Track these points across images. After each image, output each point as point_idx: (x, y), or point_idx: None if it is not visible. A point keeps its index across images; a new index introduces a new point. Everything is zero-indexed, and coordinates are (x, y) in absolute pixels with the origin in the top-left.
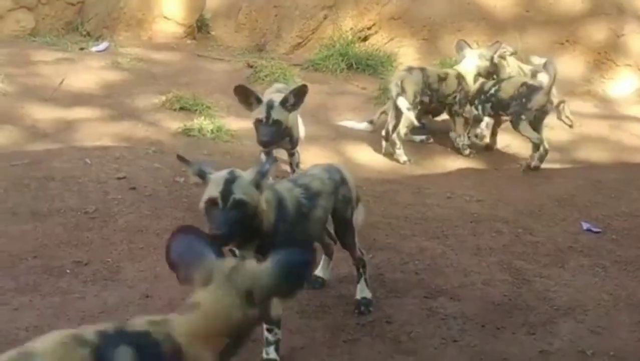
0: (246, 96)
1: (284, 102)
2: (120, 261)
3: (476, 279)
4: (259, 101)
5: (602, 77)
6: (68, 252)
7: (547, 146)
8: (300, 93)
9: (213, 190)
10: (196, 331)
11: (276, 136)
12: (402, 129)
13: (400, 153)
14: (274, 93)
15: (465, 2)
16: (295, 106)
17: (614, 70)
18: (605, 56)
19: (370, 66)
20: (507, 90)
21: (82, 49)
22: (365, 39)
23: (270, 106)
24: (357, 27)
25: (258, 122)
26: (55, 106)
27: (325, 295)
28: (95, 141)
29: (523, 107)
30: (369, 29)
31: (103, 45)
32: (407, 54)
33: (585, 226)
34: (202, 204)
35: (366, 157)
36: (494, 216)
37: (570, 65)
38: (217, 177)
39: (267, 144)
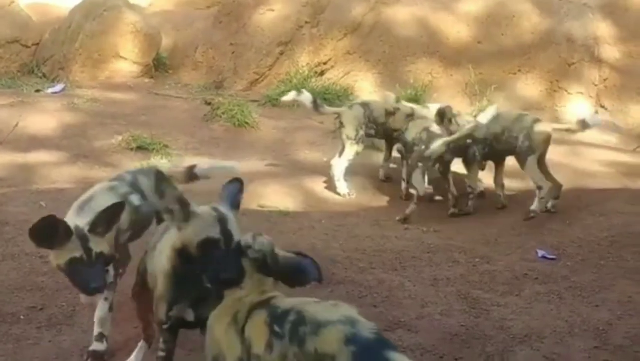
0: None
1: (93, 229)
2: (74, 304)
3: (433, 310)
4: (68, 233)
5: (555, 105)
6: (22, 297)
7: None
8: (113, 214)
9: (209, 230)
10: None
11: (104, 275)
12: (345, 162)
13: (340, 185)
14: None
15: (418, 35)
16: (108, 229)
17: (566, 98)
18: (557, 84)
19: (327, 100)
20: (411, 132)
21: (37, 90)
22: (321, 73)
23: (83, 238)
24: (313, 62)
25: (73, 263)
26: (10, 150)
27: None
28: (50, 183)
29: (420, 153)
30: (324, 63)
31: (59, 86)
32: (364, 88)
33: (540, 253)
34: (194, 246)
35: (325, 191)
36: (451, 246)
37: (523, 93)
38: (207, 216)
39: (98, 290)
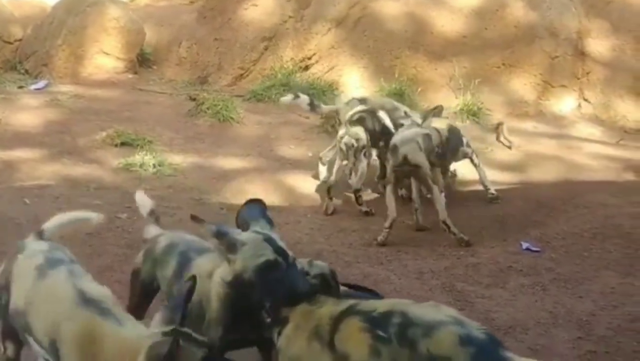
0: None
1: None
2: None
3: (419, 303)
4: None
5: (539, 99)
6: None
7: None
8: None
9: (265, 253)
10: None
11: None
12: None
13: (321, 170)
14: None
15: (403, 29)
16: None
17: (550, 91)
18: (541, 78)
19: (312, 95)
20: None
21: (20, 87)
22: (306, 68)
23: None
24: (298, 57)
25: None
26: None
27: None
28: (34, 180)
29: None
30: (309, 58)
31: (42, 83)
32: (349, 82)
33: (524, 245)
34: (248, 272)
35: (310, 186)
36: (436, 239)
37: (508, 87)
38: (255, 240)
39: None
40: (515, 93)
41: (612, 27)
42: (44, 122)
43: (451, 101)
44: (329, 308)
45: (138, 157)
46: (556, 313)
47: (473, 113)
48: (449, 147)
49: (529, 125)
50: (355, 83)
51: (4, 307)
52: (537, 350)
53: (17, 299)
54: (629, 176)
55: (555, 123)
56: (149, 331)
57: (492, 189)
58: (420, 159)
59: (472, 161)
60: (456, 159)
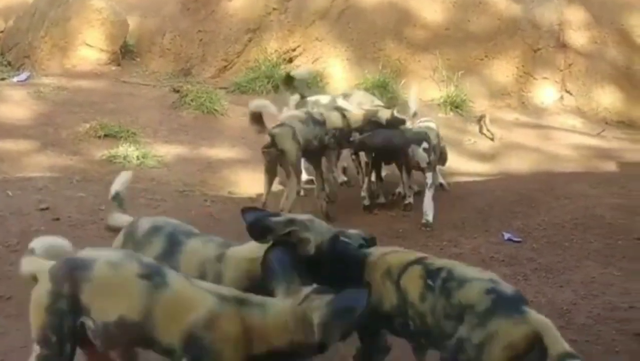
0: None
1: None
2: None
3: None
4: None
5: (521, 90)
6: None
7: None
8: None
9: (327, 230)
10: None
11: None
12: None
13: None
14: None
15: (386, 22)
16: None
17: (532, 83)
18: (523, 70)
19: (297, 87)
20: None
21: (2, 79)
22: (290, 60)
23: None
24: (282, 49)
25: None
26: None
27: None
28: (17, 172)
29: None
30: (293, 50)
31: (24, 75)
32: (333, 74)
33: (506, 236)
34: (324, 243)
35: None
36: (420, 231)
37: (490, 79)
38: (315, 220)
39: None
40: (497, 85)
41: (593, 19)
42: (27, 115)
43: (434, 92)
44: (400, 256)
45: (122, 149)
46: (537, 302)
47: (456, 105)
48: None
49: (511, 116)
50: (339, 75)
51: None
52: None
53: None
54: (610, 167)
55: (538, 115)
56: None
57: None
58: (287, 145)
59: None
60: None
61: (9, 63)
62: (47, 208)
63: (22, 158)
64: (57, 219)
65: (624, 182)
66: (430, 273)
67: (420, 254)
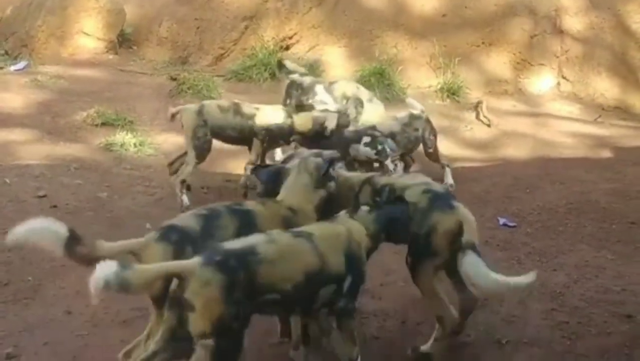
0: None
1: None
2: (41, 279)
3: (397, 278)
4: None
5: (518, 77)
6: None
7: None
8: None
9: None
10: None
11: None
12: None
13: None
14: None
15: (383, 8)
16: None
17: (529, 69)
18: (520, 56)
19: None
20: None
21: (0, 68)
22: (287, 48)
23: None
24: (279, 37)
25: None
26: None
27: None
28: (14, 160)
29: None
30: (290, 38)
31: (22, 64)
32: (329, 62)
33: (501, 221)
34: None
35: None
36: None
37: (487, 66)
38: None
39: None
40: (494, 71)
41: (590, 5)
42: (24, 103)
43: (431, 79)
44: (358, 177)
45: (119, 137)
46: (530, 285)
47: (453, 92)
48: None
49: (508, 103)
50: (336, 62)
51: None
52: (512, 321)
53: None
54: (606, 153)
55: (534, 101)
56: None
57: None
58: (187, 121)
59: None
60: None
61: (6, 52)
62: (44, 196)
63: (19, 146)
64: (55, 206)
65: (619, 167)
66: (377, 191)
67: (370, 174)
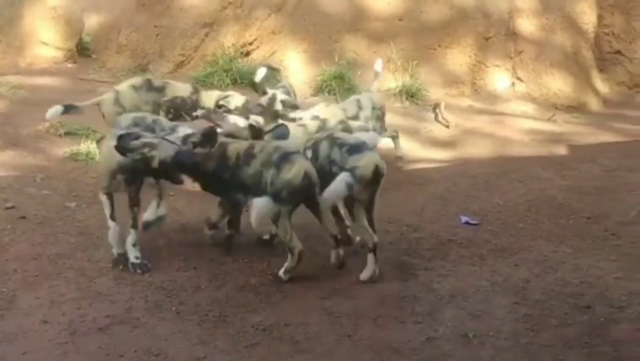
0: None
1: None
2: (15, 290)
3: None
4: None
5: (474, 79)
6: None
7: None
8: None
9: None
10: None
11: None
12: None
13: None
14: None
15: (342, 13)
16: None
17: (484, 71)
18: (476, 58)
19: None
20: None
21: None
22: (247, 54)
23: None
24: (239, 43)
25: None
26: None
27: (224, 305)
28: None
29: None
30: (250, 44)
31: None
32: (290, 67)
33: (463, 219)
34: None
35: None
36: (381, 217)
37: (444, 68)
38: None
39: None
40: (451, 73)
41: (542, 7)
42: None
43: (390, 82)
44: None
45: (84, 147)
46: (494, 281)
47: (412, 94)
48: None
49: (465, 104)
50: (296, 67)
51: None
52: (477, 315)
53: None
54: (561, 151)
55: (491, 101)
56: None
57: None
58: (107, 109)
59: None
60: None
61: None
62: (12, 207)
63: None
64: (24, 217)
65: (575, 164)
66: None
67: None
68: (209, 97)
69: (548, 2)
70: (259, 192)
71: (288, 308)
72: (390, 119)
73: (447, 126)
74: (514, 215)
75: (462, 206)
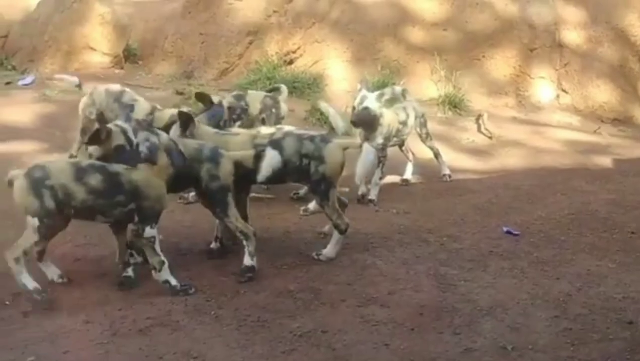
0: None
1: None
2: (58, 290)
3: (404, 287)
4: None
5: (518, 90)
6: (6, 284)
7: None
8: None
9: None
10: None
11: None
12: None
13: None
14: None
15: (385, 23)
16: None
17: (528, 82)
18: (520, 69)
19: (297, 89)
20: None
21: (8, 83)
22: (290, 62)
23: None
24: (283, 51)
25: None
26: None
27: (263, 310)
28: None
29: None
30: (294, 52)
31: (29, 78)
32: (333, 76)
33: (505, 229)
34: None
35: None
36: (420, 227)
37: (487, 79)
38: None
39: None
40: (495, 84)
41: (589, 19)
42: (33, 118)
43: (433, 92)
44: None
45: None
46: (534, 293)
47: (454, 104)
48: None
49: (508, 115)
50: (338, 76)
51: None
52: (516, 328)
53: None
54: (606, 164)
55: (534, 113)
56: None
57: None
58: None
59: None
60: None
61: (14, 67)
62: None
63: (30, 161)
64: None
65: (619, 178)
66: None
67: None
68: (162, 116)
69: (595, 13)
70: None
71: (326, 315)
72: (432, 128)
73: (490, 137)
74: (556, 228)
75: (504, 217)
